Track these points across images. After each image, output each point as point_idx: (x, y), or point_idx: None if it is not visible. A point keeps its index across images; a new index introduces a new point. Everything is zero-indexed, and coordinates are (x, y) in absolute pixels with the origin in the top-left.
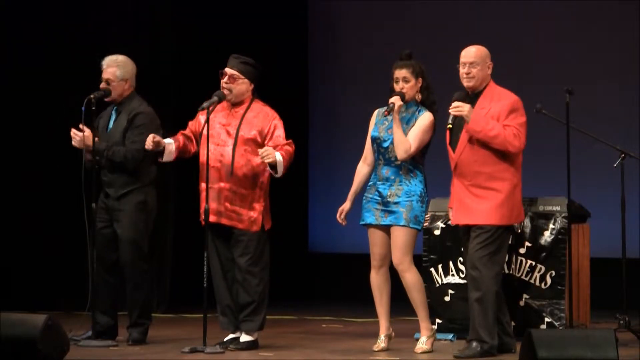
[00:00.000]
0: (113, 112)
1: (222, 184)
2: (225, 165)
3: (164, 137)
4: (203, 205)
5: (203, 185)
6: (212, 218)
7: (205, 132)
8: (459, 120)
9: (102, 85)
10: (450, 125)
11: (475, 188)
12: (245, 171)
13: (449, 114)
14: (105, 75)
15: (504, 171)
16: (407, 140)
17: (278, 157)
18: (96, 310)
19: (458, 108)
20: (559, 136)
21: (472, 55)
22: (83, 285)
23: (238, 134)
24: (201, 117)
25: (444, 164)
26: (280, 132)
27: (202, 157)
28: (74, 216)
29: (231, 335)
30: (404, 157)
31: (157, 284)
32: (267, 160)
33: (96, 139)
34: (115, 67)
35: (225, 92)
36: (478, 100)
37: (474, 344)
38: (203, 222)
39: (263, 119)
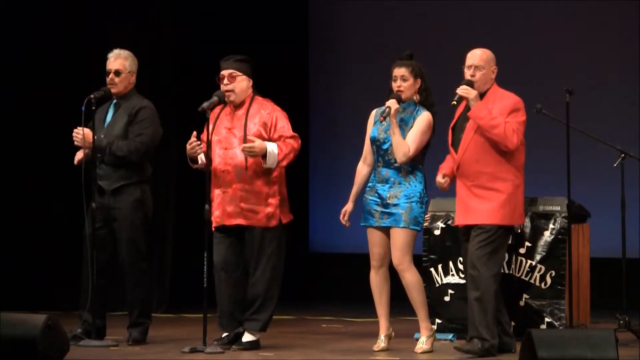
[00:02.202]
0: (112, 106)
1: (234, 186)
2: (236, 167)
3: (165, 137)
4: (214, 210)
5: (216, 191)
6: (229, 221)
7: (210, 134)
8: (461, 122)
9: (111, 76)
10: (455, 103)
11: (478, 188)
12: (255, 168)
13: (456, 93)
14: (113, 66)
15: (506, 172)
16: (406, 143)
17: (269, 147)
18: (87, 310)
19: (466, 90)
20: (559, 136)
21: (477, 58)
22: (80, 285)
23: (245, 134)
24: (210, 126)
25: None
26: (283, 123)
27: (212, 163)
28: (74, 216)
29: (226, 333)
30: (403, 160)
31: (157, 284)
32: (248, 155)
33: (95, 136)
34: (124, 59)
35: (228, 94)
36: (481, 101)
37: (475, 341)
38: (214, 228)
39: (265, 113)
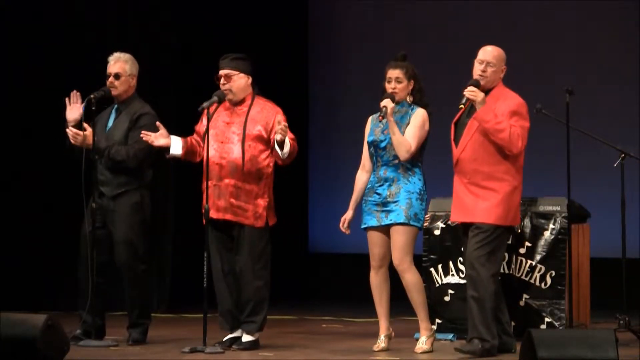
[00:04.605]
0: (113, 111)
1: (227, 181)
2: (230, 162)
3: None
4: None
5: (208, 183)
6: (217, 214)
7: (208, 130)
8: (464, 117)
9: (110, 79)
10: (462, 106)
11: (473, 186)
12: (250, 167)
13: (463, 95)
14: (113, 70)
15: (504, 172)
16: (406, 140)
17: (287, 139)
18: (87, 311)
19: (473, 92)
20: (559, 136)
21: (490, 54)
22: (77, 285)
23: (245, 132)
24: (204, 119)
25: (444, 164)
26: None
27: (205, 156)
28: (74, 216)
29: (230, 335)
30: (406, 157)
31: (157, 284)
32: (279, 133)
33: (95, 138)
34: (124, 62)
35: (226, 92)
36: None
37: (476, 341)
38: (205, 222)
39: (267, 113)
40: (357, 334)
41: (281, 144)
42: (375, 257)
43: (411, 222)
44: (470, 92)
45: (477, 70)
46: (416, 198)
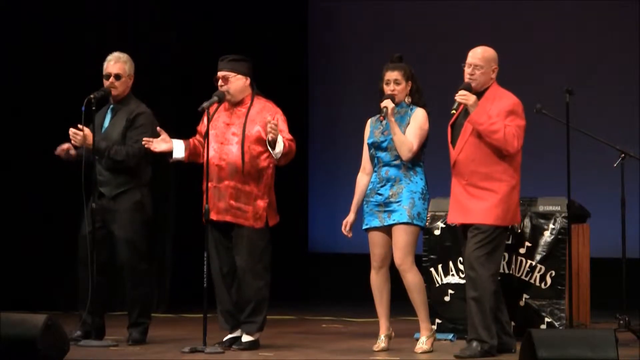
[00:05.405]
0: (109, 111)
1: (226, 182)
2: (230, 164)
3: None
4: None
5: (208, 184)
6: (216, 216)
7: (208, 131)
8: (461, 119)
9: (111, 80)
10: (454, 111)
11: (472, 187)
12: (249, 168)
13: (454, 100)
14: (114, 70)
15: (502, 172)
16: (408, 139)
17: (280, 139)
18: (87, 311)
19: (464, 96)
20: (559, 136)
21: (478, 57)
22: (77, 286)
23: (245, 133)
24: (205, 119)
25: (445, 164)
26: (283, 127)
27: (207, 156)
28: (74, 216)
29: (230, 335)
30: (409, 156)
31: (157, 284)
32: (269, 133)
33: (94, 139)
34: (124, 63)
35: (225, 93)
36: (480, 100)
37: (475, 343)
38: (204, 222)
39: (266, 113)
40: (357, 334)
41: (273, 144)
42: (377, 258)
43: (414, 222)
44: (461, 96)
45: (466, 73)
46: (419, 197)
